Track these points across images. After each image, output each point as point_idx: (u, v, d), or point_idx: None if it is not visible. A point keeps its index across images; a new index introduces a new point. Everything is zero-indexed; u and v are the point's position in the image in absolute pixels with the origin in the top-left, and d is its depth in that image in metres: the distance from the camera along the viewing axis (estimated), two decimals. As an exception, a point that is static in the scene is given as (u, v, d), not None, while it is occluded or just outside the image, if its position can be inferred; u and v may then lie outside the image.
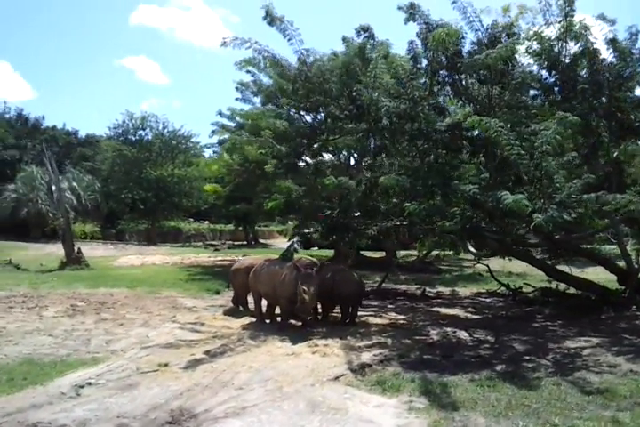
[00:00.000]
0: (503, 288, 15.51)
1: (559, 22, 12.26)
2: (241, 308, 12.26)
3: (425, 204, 9.20)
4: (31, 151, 40.13)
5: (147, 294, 15.04)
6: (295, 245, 10.88)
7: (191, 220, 54.53)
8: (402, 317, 12.11)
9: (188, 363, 7.59)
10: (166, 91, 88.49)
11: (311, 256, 29.10)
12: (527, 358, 8.41)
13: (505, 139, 9.10)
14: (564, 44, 11.84)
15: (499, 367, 7.81)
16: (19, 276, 18.59)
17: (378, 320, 11.54)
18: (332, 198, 11.89)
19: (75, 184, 39.47)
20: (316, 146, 11.93)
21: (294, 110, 12.89)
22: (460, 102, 11.59)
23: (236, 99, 20.29)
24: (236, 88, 20.59)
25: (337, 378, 7.03)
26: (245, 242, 45.00)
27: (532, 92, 12.63)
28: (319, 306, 11.19)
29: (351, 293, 10.60)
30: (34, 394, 6.14)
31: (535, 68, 12.49)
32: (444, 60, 10.98)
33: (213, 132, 22.15)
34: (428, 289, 16.76)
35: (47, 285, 16.31)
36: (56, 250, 26.53)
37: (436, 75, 11.11)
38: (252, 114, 11.95)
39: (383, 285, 17.33)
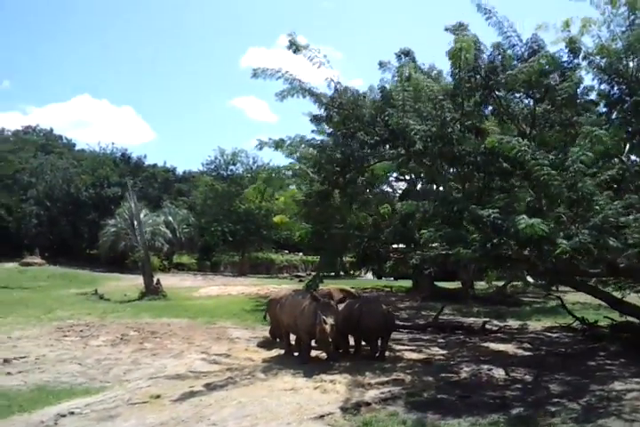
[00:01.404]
0: (578, 322, 14.09)
1: (623, 33, 11.39)
2: (278, 339, 12.06)
3: (443, 230, 8.61)
4: (133, 188, 43.12)
5: (202, 325, 15.31)
6: (321, 275, 10.51)
7: (285, 251, 55.36)
8: (443, 352, 11.32)
9: (181, 396, 7.51)
10: (274, 128, 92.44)
11: (390, 287, 28.75)
12: (556, 401, 7.48)
13: (532, 158, 8.40)
14: (633, 57, 10.93)
15: (515, 411, 7.01)
16: (97, 305, 19.67)
17: (413, 355, 10.86)
18: (365, 227, 11.50)
19: (170, 218, 41.70)
20: (349, 174, 11.63)
21: (330, 138, 12.80)
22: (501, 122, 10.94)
23: (312, 131, 20.47)
24: (310, 120, 20.78)
25: (321, 417, 6.62)
26: (333, 273, 44.76)
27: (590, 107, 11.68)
28: (350, 338, 10.77)
29: (377, 325, 10.06)
30: (14, 422, 6.32)
31: (594, 82, 11.61)
32: (478, 78, 10.43)
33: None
34: (496, 323, 15.67)
35: (115, 314, 17.10)
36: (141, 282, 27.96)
37: (472, 94, 10.56)
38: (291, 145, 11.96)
39: (446, 318, 16.48)
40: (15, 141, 47.12)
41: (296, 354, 10.48)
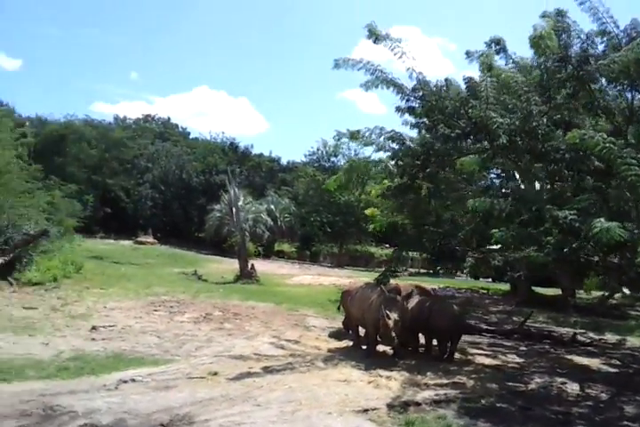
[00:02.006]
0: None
1: None
2: (350, 331, 12.07)
3: (516, 231, 8.14)
4: (239, 176, 45.03)
5: (284, 311, 15.64)
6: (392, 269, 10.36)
7: (386, 245, 55.08)
8: (519, 360, 10.76)
9: (237, 375, 7.78)
10: (382, 120, 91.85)
11: (487, 289, 27.68)
12: (625, 424, 6.86)
13: (619, 157, 7.70)
14: None
15: (576, 429, 6.53)
16: (193, 285, 20.72)
17: (486, 360, 10.43)
18: (442, 224, 11.16)
19: (272, 207, 42.99)
20: (430, 168, 11.33)
21: (417, 129, 12.51)
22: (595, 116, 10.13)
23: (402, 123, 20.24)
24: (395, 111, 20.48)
25: (365, 411, 6.57)
26: (431, 271, 43.96)
27: None
28: (421, 337, 10.57)
29: (446, 326, 9.76)
30: (81, 383, 6.89)
31: None
32: (569, 68, 9.73)
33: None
34: (591, 335, 14.63)
35: (206, 294, 17.90)
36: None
37: (562, 86, 9.88)
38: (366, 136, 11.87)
39: (538, 326, 15.62)
40: (135, 129, 50.74)
41: (364, 347, 10.45)
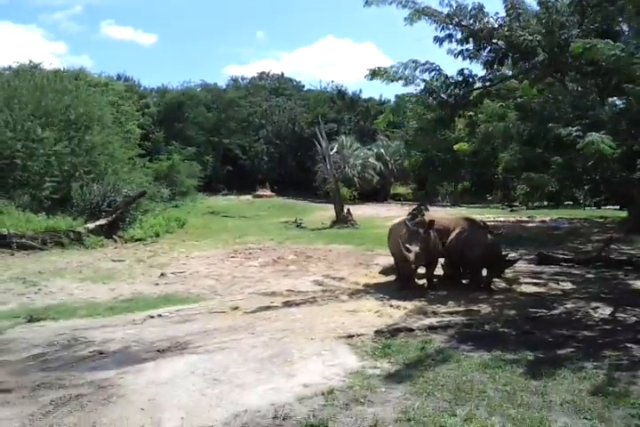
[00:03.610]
0: None
1: None
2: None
3: (523, 153, 7.78)
4: (348, 123, 45.25)
5: (359, 251, 16.11)
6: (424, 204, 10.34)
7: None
8: (570, 287, 10.32)
9: (256, 309, 8.51)
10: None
11: (604, 218, 25.80)
12: (626, 345, 6.56)
13: (631, 63, 6.97)
14: None
15: (563, 351, 6.41)
16: (288, 232, 21.87)
17: (532, 289, 10.16)
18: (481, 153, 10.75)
19: (382, 151, 42.93)
20: (471, 97, 10.87)
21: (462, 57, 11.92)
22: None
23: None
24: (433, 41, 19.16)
25: (350, 337, 6.94)
26: (553, 203, 41.31)
27: None
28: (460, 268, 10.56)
29: (476, 256, 9.66)
30: (115, 320, 8.05)
31: None
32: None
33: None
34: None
35: (294, 240, 18.86)
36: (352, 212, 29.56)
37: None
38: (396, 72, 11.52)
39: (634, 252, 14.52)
40: (248, 87, 52.63)
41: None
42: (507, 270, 10.94)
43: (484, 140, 9.80)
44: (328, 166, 25.53)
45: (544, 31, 9.06)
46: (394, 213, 33.05)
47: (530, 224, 24.47)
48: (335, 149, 33.56)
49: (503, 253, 10.52)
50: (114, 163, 19.79)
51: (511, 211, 35.28)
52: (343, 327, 7.37)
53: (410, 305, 8.58)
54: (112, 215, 16.95)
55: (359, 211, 30.39)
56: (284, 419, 4.53)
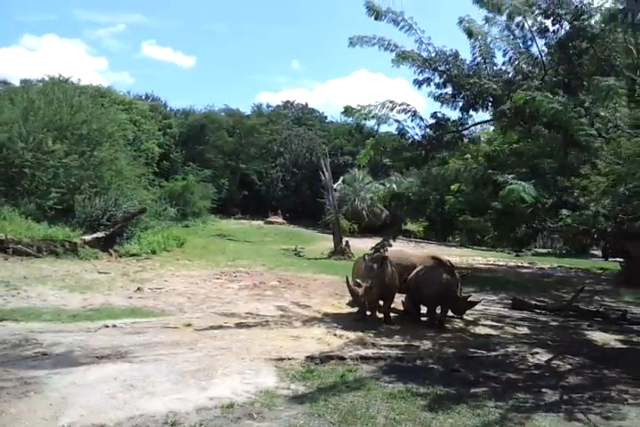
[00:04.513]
0: None
1: None
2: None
3: (465, 196, 8.21)
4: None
5: (343, 282, 16.38)
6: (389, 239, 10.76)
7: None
8: (525, 332, 10.50)
9: (206, 327, 8.93)
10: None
11: (604, 269, 25.66)
12: (546, 391, 6.79)
13: (568, 117, 7.41)
14: None
15: (477, 389, 6.68)
16: (283, 260, 22.31)
17: (485, 331, 10.37)
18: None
19: (394, 186, 43.26)
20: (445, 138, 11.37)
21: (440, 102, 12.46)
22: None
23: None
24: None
25: (281, 360, 7.31)
26: (564, 251, 41.02)
27: None
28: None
29: (432, 294, 9.97)
30: (72, 326, 8.56)
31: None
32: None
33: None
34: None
35: (284, 268, 19.29)
36: (353, 244, 29.91)
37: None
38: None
39: (615, 305, 14.61)
40: (271, 115, 53.90)
41: (368, 313, 10.97)
42: (471, 311, 11.22)
43: (429, 182, 10.25)
44: (330, 198, 26.06)
45: (506, 81, 9.55)
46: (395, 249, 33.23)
47: (525, 270, 24.58)
48: (340, 182, 34.09)
49: (465, 294, 10.80)
50: (120, 179, 20.67)
51: (516, 256, 35.31)
52: (279, 351, 7.73)
53: (354, 335, 8.90)
54: (110, 229, 17.65)
55: (362, 244, 30.44)
56: (172, 425, 4.92)
